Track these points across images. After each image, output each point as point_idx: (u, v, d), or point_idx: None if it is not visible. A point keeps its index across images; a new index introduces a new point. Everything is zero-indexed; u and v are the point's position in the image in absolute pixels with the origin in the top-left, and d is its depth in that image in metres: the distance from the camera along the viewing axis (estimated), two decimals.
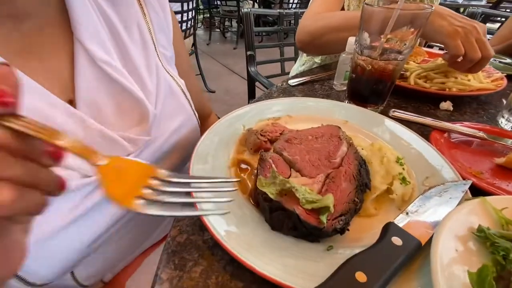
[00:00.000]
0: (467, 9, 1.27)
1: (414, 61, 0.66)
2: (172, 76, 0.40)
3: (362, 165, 0.29)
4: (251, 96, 1.27)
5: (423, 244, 0.22)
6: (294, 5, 4.13)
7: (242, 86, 1.24)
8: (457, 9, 2.28)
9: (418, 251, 0.21)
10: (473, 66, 0.46)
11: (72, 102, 0.30)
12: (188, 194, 0.23)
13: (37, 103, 0.26)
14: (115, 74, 0.32)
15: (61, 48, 0.31)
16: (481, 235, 0.21)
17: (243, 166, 0.33)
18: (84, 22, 0.31)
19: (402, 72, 0.55)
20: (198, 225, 0.26)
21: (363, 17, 0.40)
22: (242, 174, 0.32)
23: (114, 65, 0.33)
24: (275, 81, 0.90)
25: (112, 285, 0.41)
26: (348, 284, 0.18)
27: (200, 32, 5.55)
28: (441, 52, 0.64)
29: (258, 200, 0.26)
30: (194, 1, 2.10)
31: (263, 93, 0.57)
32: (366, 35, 0.41)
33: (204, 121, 0.54)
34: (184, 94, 0.42)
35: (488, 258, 0.21)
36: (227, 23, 5.15)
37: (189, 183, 0.23)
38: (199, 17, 5.62)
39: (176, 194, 0.21)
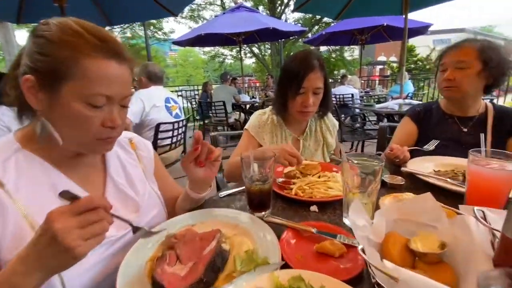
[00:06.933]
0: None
1: (310, 174, 0.95)
2: (153, 189, 0.76)
3: (219, 255, 0.51)
4: None
5: None
6: None
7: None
8: None
9: None
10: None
11: None
12: None
13: None
14: (125, 189, 0.67)
15: (100, 177, 0.66)
16: None
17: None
18: (112, 165, 0.67)
19: (290, 186, 0.82)
20: None
21: (242, 164, 0.70)
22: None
23: (125, 185, 0.68)
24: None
25: None
26: None
27: None
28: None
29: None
30: (184, 121, 2.65)
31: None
32: (246, 172, 0.70)
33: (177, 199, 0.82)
34: (159, 198, 0.76)
35: None
36: (219, 127, 5.95)
37: None
38: (196, 124, 6.59)
39: None
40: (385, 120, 4.06)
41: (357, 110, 4.36)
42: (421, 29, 6.00)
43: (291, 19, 14.17)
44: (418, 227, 0.53)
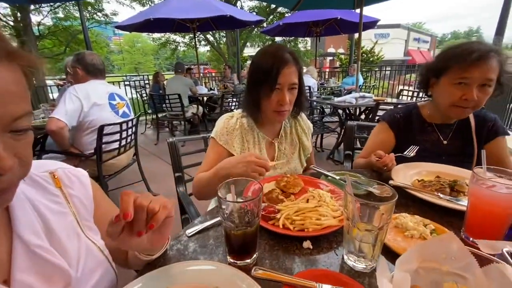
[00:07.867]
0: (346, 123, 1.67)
1: (293, 192, 0.83)
2: (92, 240, 0.53)
3: None
4: (183, 212, 1.30)
5: None
6: (233, 107, 4.81)
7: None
8: None
9: None
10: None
11: (6, 282, 0.40)
12: None
13: None
14: (45, 254, 0.44)
15: (2, 239, 0.42)
16: None
17: None
18: (22, 219, 0.44)
19: (275, 216, 0.68)
20: None
21: (217, 199, 0.53)
22: None
23: (45, 247, 0.44)
24: None
25: None
26: None
27: (149, 132, 5.80)
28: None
29: None
30: (134, 121, 2.31)
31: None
32: (224, 211, 0.53)
33: None
34: (102, 252, 0.54)
35: None
36: (175, 122, 5.51)
37: None
38: (148, 117, 5.99)
39: None
40: (340, 111, 4.20)
41: (315, 103, 4.42)
42: (370, 24, 6.34)
43: (245, 7, 13.81)
44: (442, 277, 0.44)
